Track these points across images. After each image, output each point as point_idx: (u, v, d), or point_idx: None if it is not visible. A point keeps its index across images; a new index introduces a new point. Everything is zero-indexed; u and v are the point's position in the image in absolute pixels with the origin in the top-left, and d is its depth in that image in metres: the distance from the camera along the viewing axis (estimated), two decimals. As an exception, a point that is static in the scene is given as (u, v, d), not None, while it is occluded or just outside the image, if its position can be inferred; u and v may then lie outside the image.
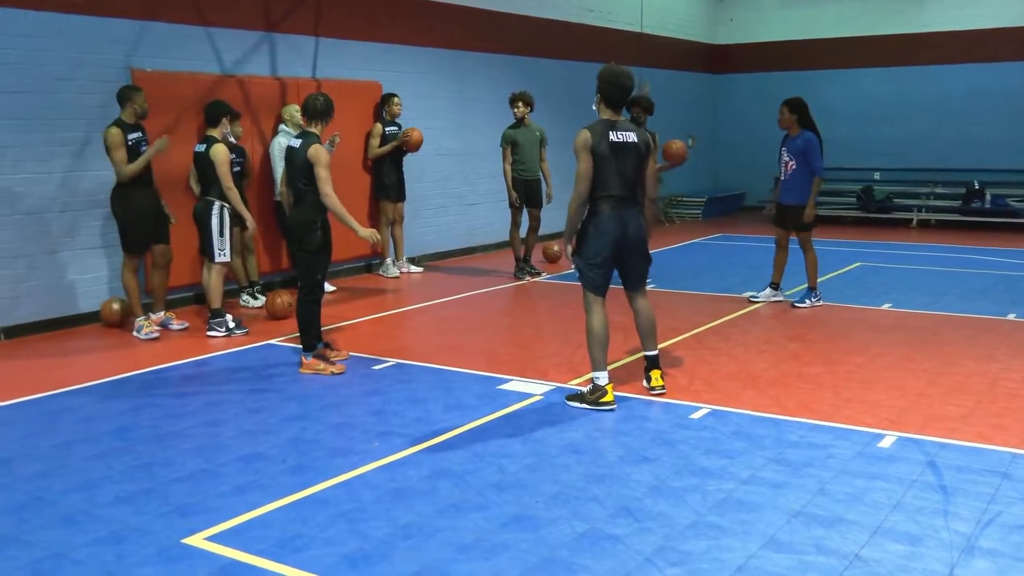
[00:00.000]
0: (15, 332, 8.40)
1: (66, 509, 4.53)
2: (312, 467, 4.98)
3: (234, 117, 8.39)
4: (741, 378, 6.69)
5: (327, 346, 7.12)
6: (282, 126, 9.57)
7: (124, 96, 8.06)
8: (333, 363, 6.91)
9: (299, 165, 6.36)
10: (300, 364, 6.95)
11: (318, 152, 6.33)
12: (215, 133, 7.96)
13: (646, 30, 17.10)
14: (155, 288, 8.58)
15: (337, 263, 10.83)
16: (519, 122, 10.78)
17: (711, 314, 8.88)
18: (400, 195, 11.29)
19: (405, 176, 11.55)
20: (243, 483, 4.76)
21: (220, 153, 7.83)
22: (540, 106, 12.38)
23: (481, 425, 5.64)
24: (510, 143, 10.77)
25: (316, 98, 6.59)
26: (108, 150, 7.95)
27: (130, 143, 8.01)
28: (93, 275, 8.89)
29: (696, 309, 9.20)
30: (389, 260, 11.43)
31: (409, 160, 11.74)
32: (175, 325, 8.47)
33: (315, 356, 6.88)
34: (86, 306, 8.88)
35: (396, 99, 11.14)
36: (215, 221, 7.94)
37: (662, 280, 10.69)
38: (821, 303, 9.25)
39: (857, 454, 5.11)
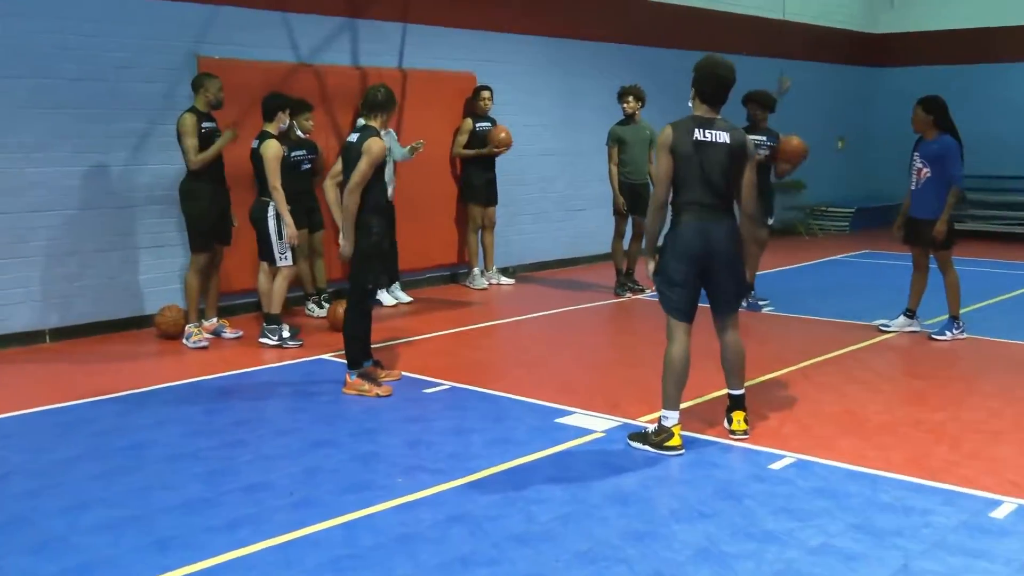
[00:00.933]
0: (63, 334, 8.49)
1: (43, 534, 4.47)
2: (319, 502, 4.79)
3: (301, 110, 8.40)
4: (843, 422, 6.19)
5: (376, 364, 6.93)
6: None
7: (198, 83, 8.16)
8: (380, 384, 6.72)
9: (353, 162, 6.23)
10: (344, 383, 6.77)
11: (371, 145, 6.19)
12: (271, 128, 7.92)
13: (788, 17, 16.49)
14: (208, 293, 8.53)
15: (416, 272, 10.64)
16: (628, 119, 10.44)
17: (829, 344, 8.30)
18: (490, 198, 11.04)
19: (499, 177, 11.23)
20: (238, 516, 4.61)
21: (269, 149, 7.75)
22: (656, 102, 11.81)
23: (523, 464, 5.35)
24: (617, 142, 10.44)
25: (377, 89, 6.51)
26: (180, 136, 8.05)
27: (203, 131, 8.08)
28: (149, 276, 8.93)
29: (813, 337, 8.65)
30: (476, 270, 11.18)
31: (508, 160, 11.40)
32: (228, 333, 8.50)
33: (360, 375, 6.71)
34: (139, 308, 8.87)
35: (485, 93, 10.89)
36: (271, 224, 7.89)
37: (781, 302, 10.15)
38: (965, 335, 8.59)
39: (961, 524, 4.59)
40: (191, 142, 7.89)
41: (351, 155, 6.26)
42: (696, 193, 5.41)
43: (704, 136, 5.41)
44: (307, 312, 9.50)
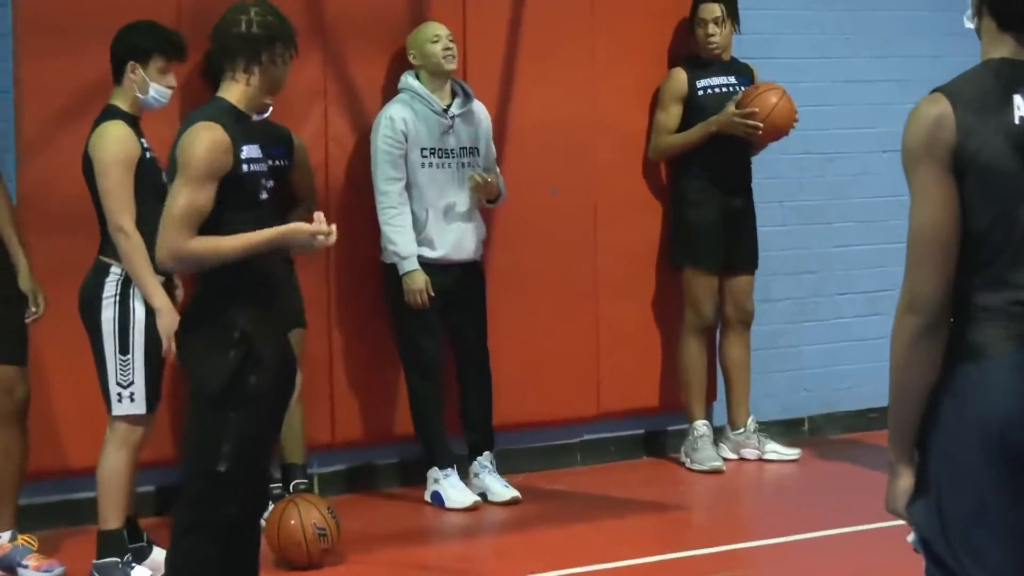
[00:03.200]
0: None
1: None
2: None
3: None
4: None
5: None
6: (407, 80, 5.36)
7: None
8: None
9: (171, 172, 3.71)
10: None
11: (193, 142, 3.49)
12: (116, 101, 4.55)
13: None
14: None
15: (548, 427, 6.01)
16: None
17: None
18: (736, 251, 5.92)
19: (761, 204, 6.12)
20: None
21: (105, 145, 4.38)
22: None
23: None
24: None
25: (240, 11, 3.70)
26: None
27: None
28: None
29: None
30: (703, 426, 5.95)
31: (784, 163, 6.43)
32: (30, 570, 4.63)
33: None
34: None
35: (714, 8, 5.84)
36: (109, 314, 4.17)
37: None
38: None
39: None
40: None
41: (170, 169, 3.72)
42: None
43: None
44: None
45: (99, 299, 4.45)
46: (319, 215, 3.49)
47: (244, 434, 3.51)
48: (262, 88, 3.60)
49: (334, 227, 3.44)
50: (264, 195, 3.51)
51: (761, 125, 5.48)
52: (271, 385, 3.57)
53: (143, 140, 4.45)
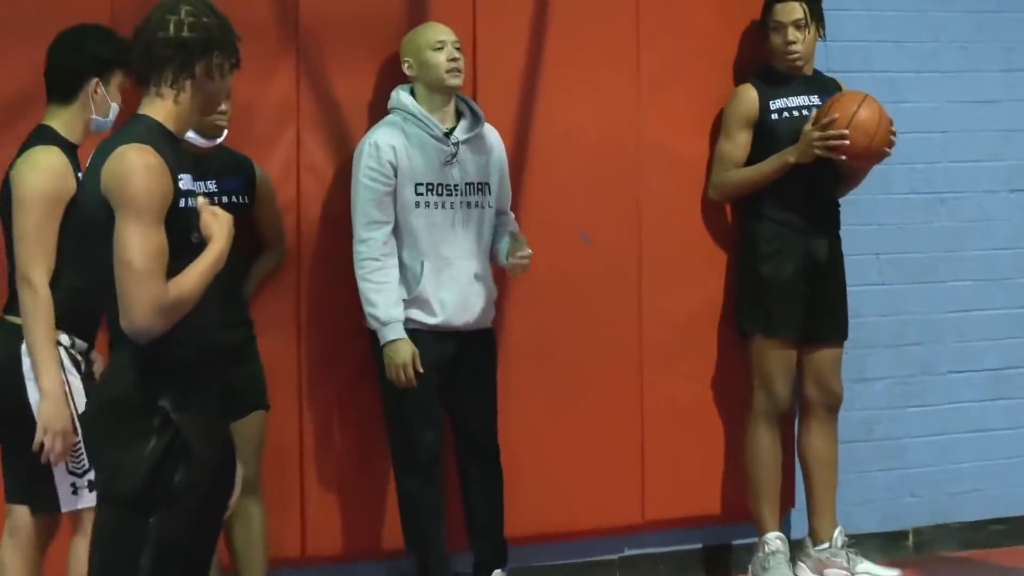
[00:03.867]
0: None
1: None
2: None
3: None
4: None
5: None
6: (399, 97, 5.23)
7: None
8: None
9: (91, 214, 3.68)
10: None
11: (128, 171, 3.54)
12: (54, 123, 4.70)
13: None
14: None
15: (582, 537, 5.87)
16: None
17: None
18: (821, 315, 5.57)
19: (851, 256, 5.75)
20: None
21: (32, 177, 4.68)
22: None
23: None
24: None
25: (170, 11, 3.72)
26: None
27: None
28: None
29: None
30: (776, 539, 5.28)
31: (882, 201, 6.09)
32: None
33: None
34: None
35: (793, 8, 5.66)
36: (37, 397, 4.71)
37: None
38: None
39: None
40: None
41: (86, 212, 3.77)
42: None
43: None
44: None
45: (19, 376, 4.28)
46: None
47: (167, 546, 3.44)
48: (193, 106, 3.51)
49: None
50: (195, 238, 3.40)
51: (846, 132, 5.03)
52: (202, 484, 3.49)
53: (80, 173, 4.29)
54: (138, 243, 3.29)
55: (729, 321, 5.54)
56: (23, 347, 4.31)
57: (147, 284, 3.23)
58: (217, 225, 3.38)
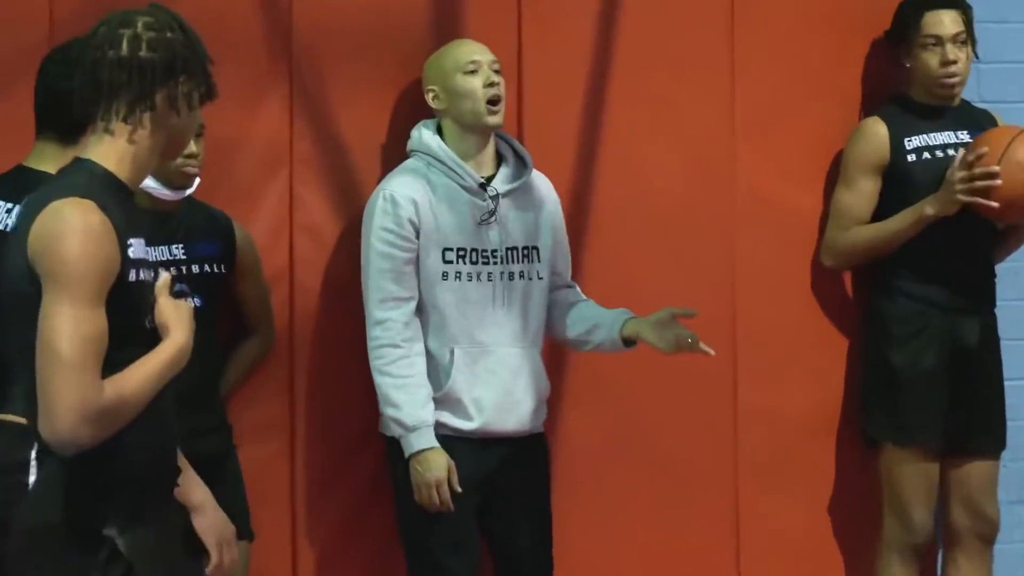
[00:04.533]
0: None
1: None
2: None
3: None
4: None
5: None
6: (423, 137, 5.09)
7: None
8: None
9: (14, 285, 3.63)
10: None
11: (62, 233, 3.65)
12: (43, 159, 4.56)
13: None
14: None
15: None
16: None
17: None
18: (971, 419, 5.25)
19: (998, 331, 5.23)
20: None
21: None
22: None
23: None
24: None
25: (116, 31, 3.51)
26: None
27: None
28: None
29: None
30: None
31: None
32: None
33: None
34: None
35: (949, 22, 5.49)
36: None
37: None
38: None
39: None
40: None
41: (7, 282, 3.53)
42: None
43: None
44: None
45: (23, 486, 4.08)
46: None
47: None
48: (153, 147, 3.22)
49: None
50: (150, 322, 3.10)
51: (996, 170, 4.37)
52: None
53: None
54: (68, 327, 3.01)
55: (850, 425, 4.77)
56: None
57: (75, 381, 2.91)
58: (176, 314, 3.06)
